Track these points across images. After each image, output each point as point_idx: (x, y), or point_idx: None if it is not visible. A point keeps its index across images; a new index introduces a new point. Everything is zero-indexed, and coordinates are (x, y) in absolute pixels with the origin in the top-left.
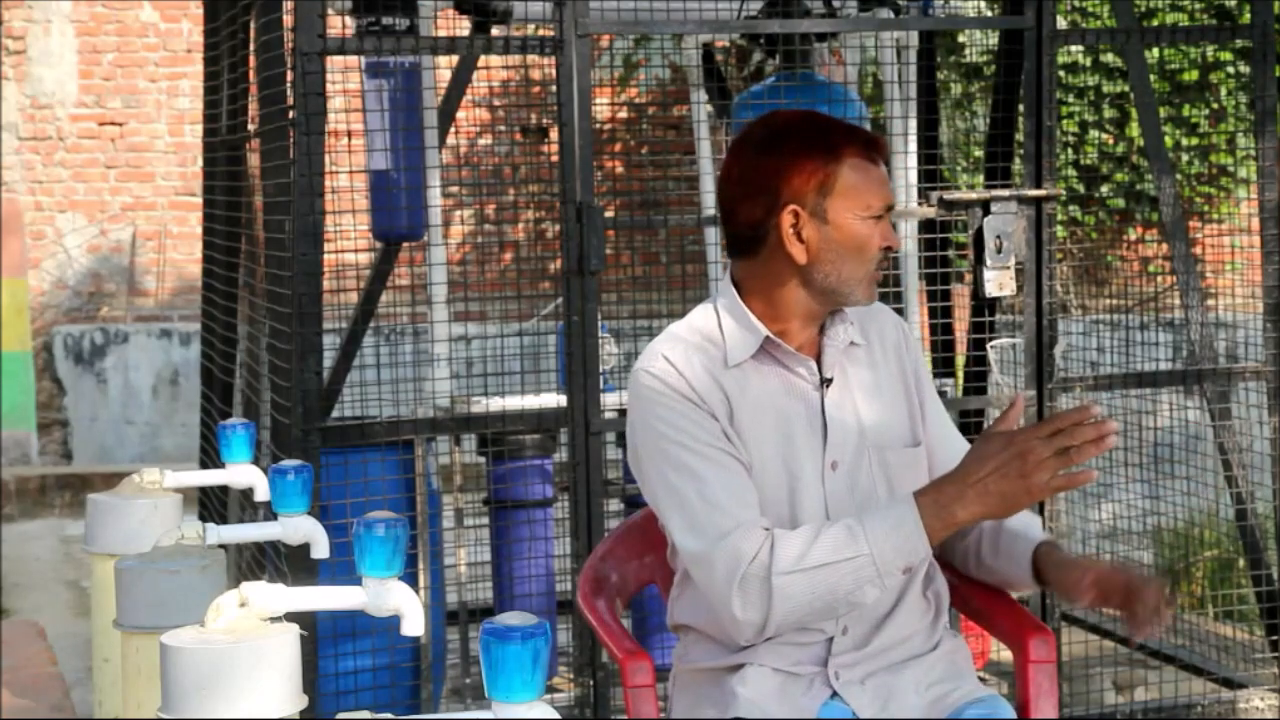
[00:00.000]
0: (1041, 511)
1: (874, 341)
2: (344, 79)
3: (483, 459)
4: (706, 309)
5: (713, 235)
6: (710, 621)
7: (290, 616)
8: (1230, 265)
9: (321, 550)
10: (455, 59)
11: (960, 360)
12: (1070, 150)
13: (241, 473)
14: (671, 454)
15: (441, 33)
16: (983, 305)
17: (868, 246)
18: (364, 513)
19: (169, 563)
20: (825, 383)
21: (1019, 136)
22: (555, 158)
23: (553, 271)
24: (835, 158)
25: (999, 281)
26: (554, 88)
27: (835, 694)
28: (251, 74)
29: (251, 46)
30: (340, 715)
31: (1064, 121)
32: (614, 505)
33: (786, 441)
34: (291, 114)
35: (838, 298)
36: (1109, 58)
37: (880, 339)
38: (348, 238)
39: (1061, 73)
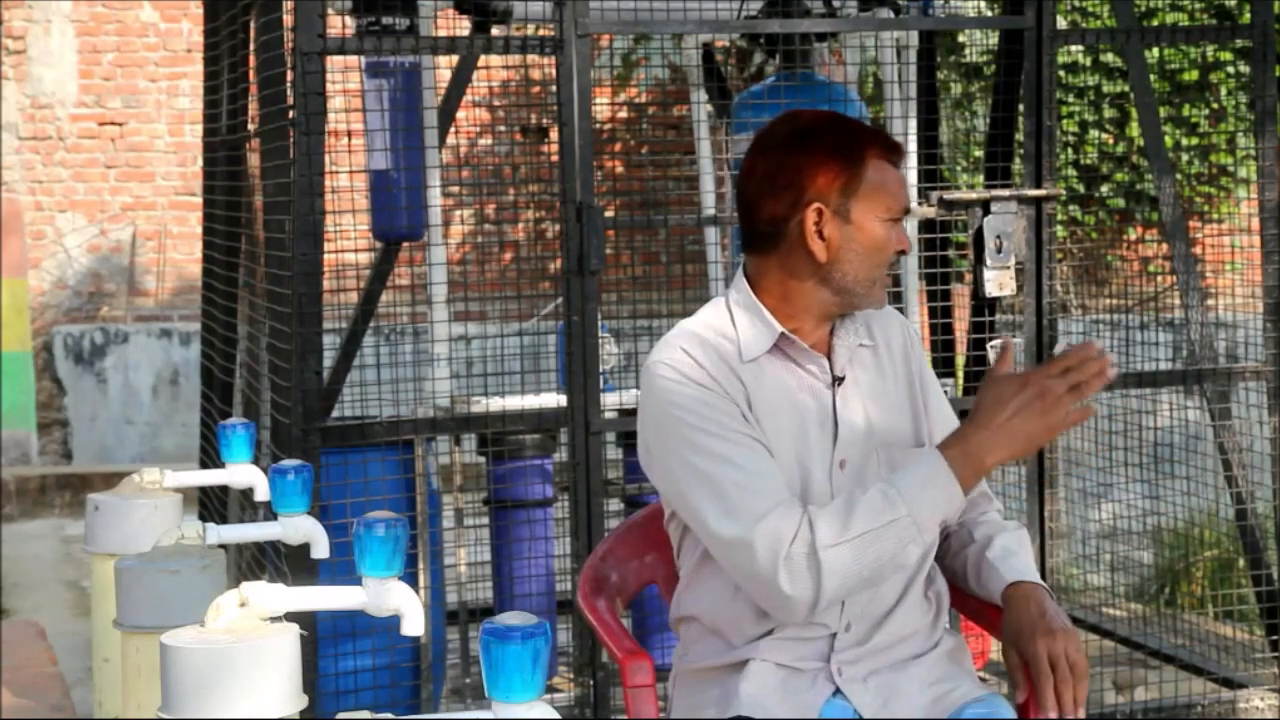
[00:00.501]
0: (1041, 511)
1: (880, 343)
2: (344, 79)
3: (483, 459)
4: (719, 305)
5: (713, 235)
6: (719, 611)
7: (290, 616)
8: (1230, 265)
9: (321, 550)
10: (455, 59)
11: (960, 360)
12: (1070, 150)
13: (241, 473)
14: (698, 441)
15: (441, 33)
16: (983, 305)
17: (885, 248)
18: (364, 513)
19: (169, 563)
20: (837, 381)
21: (1019, 136)
22: (555, 158)
23: (553, 271)
24: (860, 158)
25: (999, 281)
26: (554, 88)
27: (838, 690)
28: (251, 74)
29: (251, 46)
30: (340, 715)
31: (1064, 121)
32: (614, 505)
33: (800, 437)
34: (291, 114)
35: (852, 298)
36: (1109, 58)
37: (887, 341)
38: (348, 238)
39: (1061, 73)
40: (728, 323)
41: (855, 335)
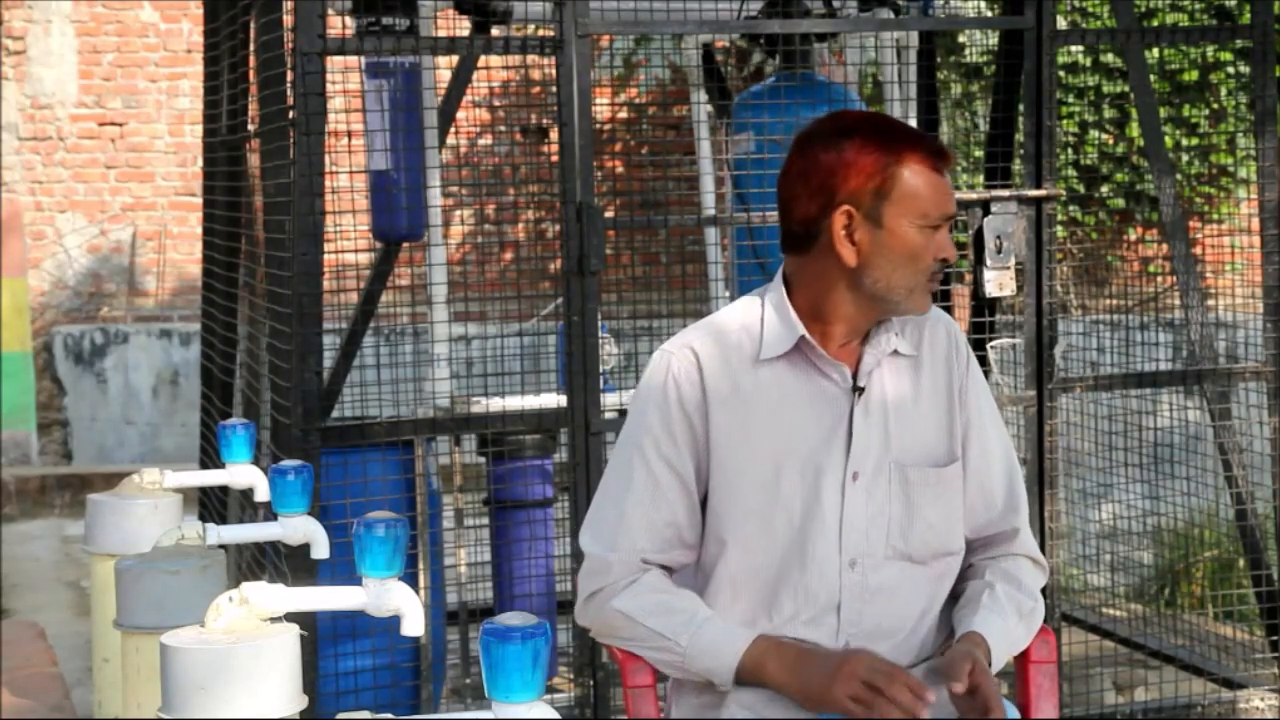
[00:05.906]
0: (1041, 512)
1: (925, 352)
2: (344, 79)
3: (483, 459)
4: (753, 300)
5: (713, 235)
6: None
7: (290, 616)
8: (1230, 265)
9: (321, 550)
10: (455, 59)
11: None
12: (1070, 150)
13: (241, 473)
14: (625, 451)
15: (441, 33)
16: (983, 305)
17: (921, 256)
18: (364, 513)
19: (169, 563)
20: (857, 391)
21: (1019, 136)
22: (555, 158)
23: (553, 271)
24: (896, 161)
25: (999, 281)
26: (554, 88)
27: None
28: (251, 74)
29: (251, 46)
30: (340, 715)
31: (1064, 121)
32: None
33: (805, 445)
34: (291, 114)
35: (885, 305)
36: (1109, 58)
37: (931, 349)
38: (348, 238)
39: (1061, 73)
40: (756, 319)
41: (889, 344)
